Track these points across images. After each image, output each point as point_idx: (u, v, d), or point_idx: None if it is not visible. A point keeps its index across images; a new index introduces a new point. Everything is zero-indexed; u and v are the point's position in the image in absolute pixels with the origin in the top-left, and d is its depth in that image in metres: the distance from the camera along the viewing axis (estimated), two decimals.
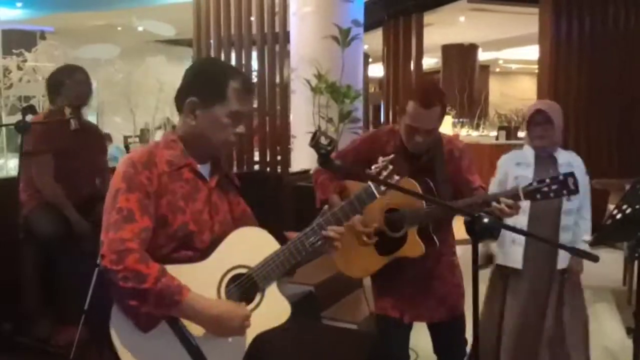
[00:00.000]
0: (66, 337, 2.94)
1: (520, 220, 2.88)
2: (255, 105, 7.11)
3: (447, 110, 12.43)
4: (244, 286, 1.68)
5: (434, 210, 2.32)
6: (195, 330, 1.58)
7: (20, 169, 3.15)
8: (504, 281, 3.02)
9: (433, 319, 2.59)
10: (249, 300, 1.68)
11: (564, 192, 2.18)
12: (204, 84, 1.71)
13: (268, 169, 6.53)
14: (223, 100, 1.70)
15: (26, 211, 3.16)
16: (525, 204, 2.74)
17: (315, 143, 1.51)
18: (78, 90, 3.33)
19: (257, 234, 1.76)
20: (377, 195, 1.75)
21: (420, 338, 2.86)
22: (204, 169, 1.77)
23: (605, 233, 2.50)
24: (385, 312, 2.60)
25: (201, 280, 1.60)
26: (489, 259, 3.20)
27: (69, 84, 3.30)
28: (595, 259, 1.66)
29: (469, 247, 1.50)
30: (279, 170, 6.13)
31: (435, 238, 2.38)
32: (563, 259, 2.91)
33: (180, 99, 1.75)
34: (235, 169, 7.01)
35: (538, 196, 2.21)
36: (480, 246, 2.98)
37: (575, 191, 2.19)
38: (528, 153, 2.96)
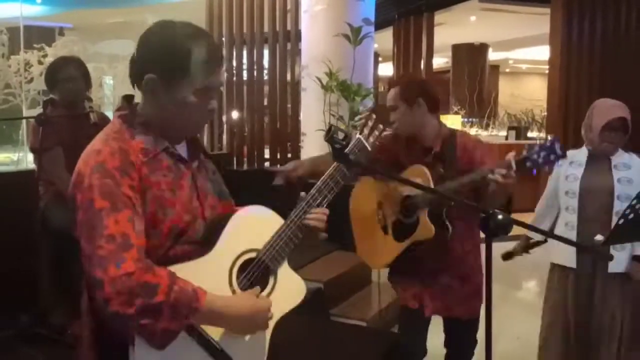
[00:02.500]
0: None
1: (570, 219, 2.92)
2: (265, 102, 7.17)
3: (457, 109, 12.31)
4: (256, 272, 1.53)
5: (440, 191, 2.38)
6: (214, 330, 1.42)
7: (37, 163, 3.21)
8: (562, 279, 3.01)
9: (451, 314, 2.65)
10: (262, 286, 1.54)
11: (552, 156, 2.19)
12: (162, 58, 1.41)
13: (278, 166, 6.56)
14: (186, 76, 1.42)
15: (43, 203, 3.21)
16: (574, 204, 2.90)
17: (330, 137, 1.48)
18: (67, 88, 3.30)
19: (259, 212, 1.59)
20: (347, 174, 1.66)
21: (430, 337, 2.89)
22: (180, 149, 1.53)
23: (618, 233, 2.49)
24: (406, 302, 2.68)
25: (210, 275, 1.44)
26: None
27: (59, 84, 3.30)
28: (608, 257, 1.67)
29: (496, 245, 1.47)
30: None
31: (448, 223, 2.44)
32: (618, 263, 2.84)
33: (135, 75, 1.46)
34: (245, 166, 7.06)
35: (528, 164, 2.21)
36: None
37: (563, 155, 2.20)
38: (582, 152, 2.97)
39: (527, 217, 3.18)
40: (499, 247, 2.03)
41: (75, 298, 3.14)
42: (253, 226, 1.56)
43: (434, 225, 2.41)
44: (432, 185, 2.37)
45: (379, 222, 2.65)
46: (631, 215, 2.36)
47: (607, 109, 2.84)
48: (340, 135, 1.51)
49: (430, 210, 2.42)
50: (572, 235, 2.92)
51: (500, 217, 1.42)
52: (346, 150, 1.55)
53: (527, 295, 5.56)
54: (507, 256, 3.20)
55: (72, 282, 3.14)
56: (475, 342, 2.74)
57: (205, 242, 1.48)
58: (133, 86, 1.49)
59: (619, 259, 2.84)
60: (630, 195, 2.72)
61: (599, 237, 2.73)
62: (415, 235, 2.47)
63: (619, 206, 2.81)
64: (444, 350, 2.85)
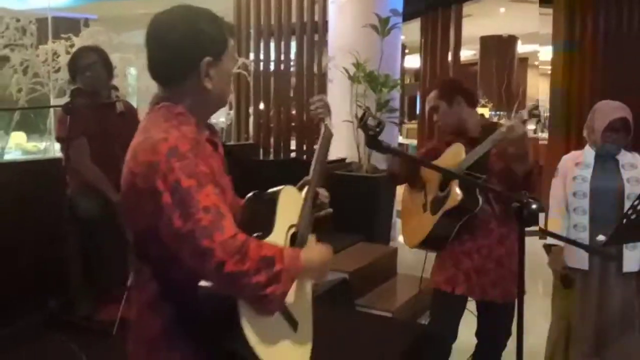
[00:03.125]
0: (110, 314, 3.01)
1: (580, 220, 2.90)
2: (291, 94, 7.17)
3: (485, 102, 12.19)
4: (299, 242, 1.65)
5: (468, 157, 2.60)
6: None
7: (63, 152, 3.25)
8: (578, 281, 2.97)
9: (485, 297, 2.69)
10: None
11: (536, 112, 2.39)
12: (210, 37, 1.45)
13: (305, 157, 6.57)
14: (227, 48, 1.48)
15: (70, 191, 3.24)
16: (584, 205, 2.90)
17: (363, 124, 1.50)
18: (87, 77, 3.31)
19: (291, 191, 1.70)
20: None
21: (462, 322, 2.87)
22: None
23: (620, 233, 2.50)
24: (439, 286, 2.74)
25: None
26: None
27: (81, 69, 3.31)
28: (611, 257, 1.65)
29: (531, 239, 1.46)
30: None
31: (479, 196, 2.57)
32: (632, 262, 2.84)
33: (185, 64, 1.44)
34: (272, 156, 7.08)
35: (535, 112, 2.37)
36: None
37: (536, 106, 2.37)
38: (588, 154, 2.95)
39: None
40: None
41: (103, 285, 3.20)
42: (291, 202, 1.67)
43: (465, 197, 2.55)
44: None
45: (421, 202, 2.81)
46: (633, 216, 2.37)
47: (608, 111, 2.87)
48: (374, 122, 1.52)
49: (462, 182, 2.58)
50: (584, 237, 2.90)
51: (534, 206, 1.41)
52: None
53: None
54: (569, 280, 3.02)
55: (100, 269, 3.21)
56: (510, 332, 2.72)
57: (262, 223, 1.53)
58: (170, 79, 1.46)
59: (634, 258, 2.84)
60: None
61: (601, 237, 2.74)
62: (446, 204, 2.62)
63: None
64: (474, 343, 2.85)
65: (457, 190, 2.58)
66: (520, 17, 11.53)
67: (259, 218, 1.57)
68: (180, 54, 1.43)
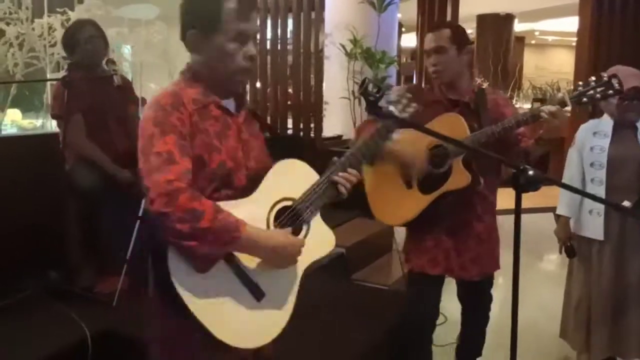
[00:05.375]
0: (109, 286, 3.05)
1: (597, 190, 2.88)
2: (288, 72, 7.14)
3: (481, 81, 12.08)
4: (291, 218, 1.65)
5: (477, 136, 2.32)
6: (251, 264, 1.56)
7: (60, 127, 3.25)
8: (592, 252, 2.97)
9: (464, 277, 2.60)
10: (296, 233, 1.66)
11: (610, 92, 2.15)
12: (198, 12, 1.59)
13: (301, 134, 6.58)
14: (220, 25, 1.56)
15: (68, 165, 3.25)
16: (601, 176, 2.86)
17: (364, 90, 1.51)
18: (86, 49, 3.30)
19: (298, 165, 1.72)
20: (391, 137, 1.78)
21: (450, 301, 2.90)
22: (228, 104, 1.67)
23: None
24: (420, 268, 2.60)
25: (249, 215, 1.55)
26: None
27: (79, 45, 3.29)
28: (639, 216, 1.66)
29: (504, 217, 1.48)
30: (312, 136, 6.18)
31: (480, 177, 2.37)
32: None
33: (182, 33, 1.63)
34: (267, 134, 7.07)
35: (584, 99, 2.17)
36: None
37: (620, 91, 2.15)
38: (606, 123, 2.93)
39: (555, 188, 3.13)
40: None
41: (104, 257, 3.23)
42: (291, 177, 1.69)
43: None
44: (468, 133, 2.34)
45: (402, 177, 2.52)
46: None
47: (620, 81, 2.81)
48: (374, 88, 1.54)
49: (464, 158, 2.36)
50: (600, 207, 2.88)
51: (531, 172, 1.41)
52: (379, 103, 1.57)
53: (549, 265, 5.55)
54: (571, 250, 3.03)
55: (100, 241, 3.23)
56: (490, 298, 2.75)
57: (246, 189, 1.61)
58: (186, 47, 1.64)
59: None
60: None
61: (627, 203, 2.70)
62: (447, 185, 2.38)
63: None
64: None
65: (465, 172, 2.35)
66: None
67: (249, 183, 1.64)
68: (181, 24, 1.63)
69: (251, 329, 1.57)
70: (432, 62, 2.52)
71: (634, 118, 2.86)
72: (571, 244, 3.00)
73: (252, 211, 1.57)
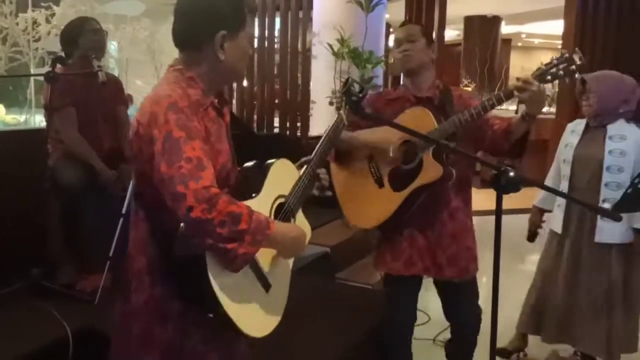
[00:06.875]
0: (92, 284, 3.03)
1: (564, 186, 3.00)
2: (275, 71, 7.14)
3: (467, 83, 12.08)
4: (286, 214, 1.75)
5: (445, 126, 2.31)
6: (261, 257, 1.60)
7: (47, 120, 3.22)
8: (553, 244, 3.13)
9: (441, 275, 2.56)
10: None
11: (572, 67, 2.19)
12: (227, 13, 1.57)
13: (288, 133, 6.59)
14: (245, 25, 1.60)
15: (51, 161, 3.23)
16: (566, 171, 2.97)
17: (347, 90, 1.53)
18: (94, 40, 3.32)
19: (287, 164, 1.81)
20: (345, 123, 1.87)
21: (432, 300, 2.91)
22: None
23: (625, 202, 2.51)
24: (397, 272, 2.58)
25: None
26: None
27: (85, 35, 3.31)
28: (617, 218, 1.70)
29: (486, 218, 1.50)
30: (298, 135, 6.19)
31: (451, 168, 2.34)
32: (605, 233, 2.89)
33: (201, 34, 1.58)
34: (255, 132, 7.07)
35: (548, 77, 2.20)
36: None
37: (582, 65, 2.20)
38: (582, 122, 3.05)
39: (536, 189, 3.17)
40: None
41: (86, 254, 3.21)
42: (283, 175, 1.77)
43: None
44: (436, 126, 2.33)
45: (372, 176, 2.50)
46: None
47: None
48: (357, 88, 1.57)
49: (434, 151, 2.33)
50: (563, 201, 3.02)
51: (511, 174, 1.43)
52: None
53: (529, 265, 5.56)
54: (532, 236, 3.24)
55: (83, 238, 3.21)
56: (479, 309, 2.69)
57: (250, 187, 1.65)
58: (186, 45, 1.61)
59: (606, 229, 2.88)
60: (621, 167, 2.77)
61: (607, 205, 2.74)
62: (420, 179, 2.35)
63: (608, 178, 2.85)
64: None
65: (436, 163, 2.31)
66: None
67: (248, 182, 1.68)
68: (197, 25, 1.58)
69: (261, 318, 1.64)
70: (402, 49, 2.53)
71: (584, 112, 2.99)
72: (536, 231, 3.20)
73: (261, 210, 1.59)
